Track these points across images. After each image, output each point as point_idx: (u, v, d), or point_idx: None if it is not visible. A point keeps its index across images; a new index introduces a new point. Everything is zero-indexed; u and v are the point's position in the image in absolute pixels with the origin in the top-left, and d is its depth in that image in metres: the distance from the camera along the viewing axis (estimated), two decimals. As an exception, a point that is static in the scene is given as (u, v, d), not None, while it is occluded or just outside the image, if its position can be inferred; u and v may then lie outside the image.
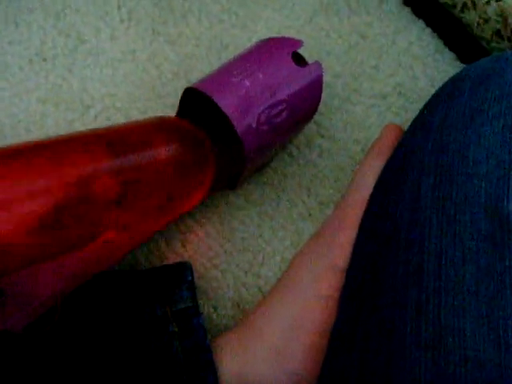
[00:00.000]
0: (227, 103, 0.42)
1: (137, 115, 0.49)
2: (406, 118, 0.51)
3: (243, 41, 0.52)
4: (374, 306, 0.38)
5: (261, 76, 0.44)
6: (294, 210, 0.50)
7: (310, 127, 0.51)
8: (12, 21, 0.51)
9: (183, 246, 0.48)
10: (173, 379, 0.41)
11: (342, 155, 0.51)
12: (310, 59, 0.46)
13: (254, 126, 0.43)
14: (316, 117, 0.49)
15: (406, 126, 0.45)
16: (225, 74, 0.44)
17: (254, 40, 0.49)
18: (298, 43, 0.46)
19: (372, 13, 0.55)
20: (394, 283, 0.37)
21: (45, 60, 0.51)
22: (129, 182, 0.40)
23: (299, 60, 0.46)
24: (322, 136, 0.51)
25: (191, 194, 0.44)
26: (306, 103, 0.46)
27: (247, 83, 0.43)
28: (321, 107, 0.47)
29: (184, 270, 0.44)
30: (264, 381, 0.42)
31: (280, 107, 0.44)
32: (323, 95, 0.46)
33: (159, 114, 0.48)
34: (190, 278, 0.44)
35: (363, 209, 0.44)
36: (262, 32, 0.52)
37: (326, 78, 0.49)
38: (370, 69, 0.53)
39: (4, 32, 0.51)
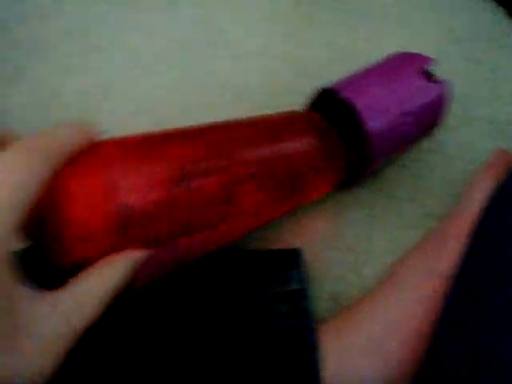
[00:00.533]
0: (363, 105, 0.45)
1: (264, 107, 0.52)
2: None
3: (370, 54, 0.55)
4: (484, 307, 0.40)
5: (394, 86, 0.47)
6: (399, 218, 0.52)
7: (424, 142, 0.54)
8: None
9: (292, 236, 0.51)
10: (277, 356, 0.43)
11: (451, 172, 0.53)
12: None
13: (382, 130, 0.46)
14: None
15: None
16: (361, 79, 0.47)
17: (380, 55, 0.52)
18: (430, 60, 0.49)
19: (492, 40, 0.57)
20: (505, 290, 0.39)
21: (186, 45, 0.55)
22: (263, 169, 0.43)
23: (429, 76, 0.49)
24: (434, 152, 0.54)
25: (316, 186, 0.47)
26: (430, 117, 0.48)
27: (382, 90, 0.46)
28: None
29: (297, 255, 0.47)
30: (361, 370, 0.44)
31: (407, 117, 0.47)
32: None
33: (287, 108, 0.51)
34: (302, 262, 0.47)
35: (471, 223, 0.46)
36: (390, 48, 0.54)
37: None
38: (488, 94, 0.55)
39: (155, 16, 0.55)
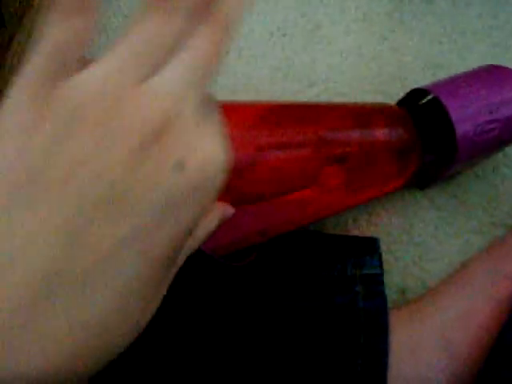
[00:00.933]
0: (454, 108, 0.48)
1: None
2: None
3: (456, 66, 0.58)
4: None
5: (484, 93, 0.49)
6: (468, 223, 0.55)
7: (498, 156, 0.56)
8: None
9: (367, 226, 0.54)
10: (350, 335, 0.45)
11: (524, 187, 0.56)
12: None
13: (470, 134, 0.48)
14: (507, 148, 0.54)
15: None
16: (453, 83, 0.50)
17: (463, 69, 0.54)
18: (521, 76, 0.52)
19: None
20: None
21: (284, 35, 0.58)
22: (351, 151, 0.45)
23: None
24: (508, 166, 0.56)
25: (393, 178, 0.49)
26: (514, 129, 0.51)
27: (472, 96, 0.49)
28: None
29: (375, 242, 0.50)
30: (426, 359, 0.46)
31: (494, 125, 0.49)
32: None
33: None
34: (379, 250, 0.49)
35: None
36: (474, 64, 0.57)
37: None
38: None
39: (257, 5, 0.57)
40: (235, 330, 0.44)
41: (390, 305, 0.51)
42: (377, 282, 0.47)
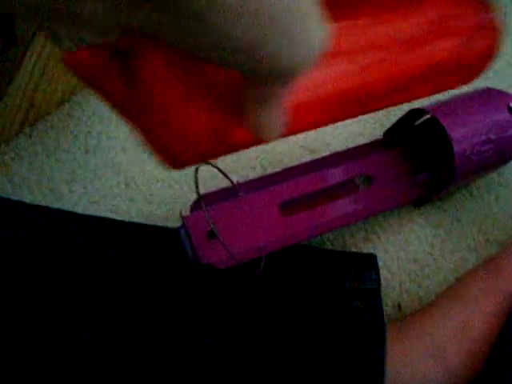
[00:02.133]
0: (451, 127, 0.49)
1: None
2: None
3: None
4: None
5: (481, 115, 0.51)
6: (462, 241, 0.56)
7: (492, 174, 0.58)
8: None
9: (364, 242, 0.55)
10: (348, 348, 0.46)
11: (517, 206, 0.57)
12: None
13: (467, 153, 0.50)
14: (500, 167, 0.56)
15: None
16: (451, 104, 0.52)
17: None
18: (514, 98, 0.53)
19: None
20: None
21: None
22: None
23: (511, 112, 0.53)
24: (501, 185, 0.58)
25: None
26: (508, 149, 0.52)
27: (470, 117, 0.50)
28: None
29: (373, 258, 0.51)
30: (422, 372, 0.47)
31: (490, 145, 0.51)
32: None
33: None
34: (377, 265, 0.50)
35: None
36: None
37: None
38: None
39: None
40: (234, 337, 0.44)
41: (386, 319, 0.52)
42: (374, 296, 0.48)
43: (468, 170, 0.51)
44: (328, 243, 0.55)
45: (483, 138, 0.51)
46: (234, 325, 0.45)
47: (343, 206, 0.51)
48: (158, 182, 0.58)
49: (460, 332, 0.47)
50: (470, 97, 0.53)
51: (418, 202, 0.56)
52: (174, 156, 0.27)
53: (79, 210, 0.55)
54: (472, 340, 0.47)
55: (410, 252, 0.55)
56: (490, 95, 0.53)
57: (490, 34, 0.33)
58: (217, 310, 0.46)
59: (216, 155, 0.29)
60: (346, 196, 0.51)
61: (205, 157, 0.29)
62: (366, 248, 0.55)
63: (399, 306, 0.54)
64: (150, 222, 0.53)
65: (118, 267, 0.45)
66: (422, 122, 0.53)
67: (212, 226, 0.44)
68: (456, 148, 0.49)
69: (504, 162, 0.54)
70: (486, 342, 0.47)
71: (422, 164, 0.54)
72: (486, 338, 0.47)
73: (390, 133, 0.57)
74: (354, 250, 0.55)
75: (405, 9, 0.31)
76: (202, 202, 0.44)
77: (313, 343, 0.46)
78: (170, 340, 0.43)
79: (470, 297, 0.49)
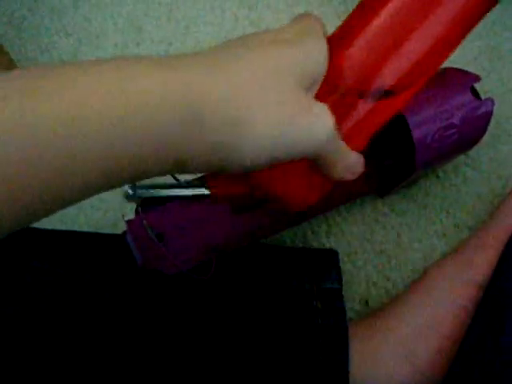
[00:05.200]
0: (412, 116, 0.46)
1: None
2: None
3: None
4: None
5: (442, 99, 0.48)
6: (431, 227, 0.53)
7: (460, 157, 0.55)
8: None
9: (327, 237, 0.52)
10: (309, 352, 0.44)
11: (484, 186, 0.54)
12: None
13: (428, 140, 0.47)
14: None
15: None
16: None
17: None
18: (477, 78, 0.50)
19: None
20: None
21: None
22: None
23: (475, 93, 0.50)
24: (468, 165, 0.55)
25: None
26: (474, 133, 0.50)
27: (429, 102, 0.47)
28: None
29: (334, 255, 0.48)
30: (389, 372, 0.45)
31: (452, 130, 0.48)
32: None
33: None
34: (338, 263, 0.48)
35: (505, 234, 0.48)
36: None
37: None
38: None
39: None
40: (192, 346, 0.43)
41: (352, 315, 0.50)
42: (336, 296, 0.46)
43: (431, 157, 0.48)
44: (288, 240, 0.52)
45: (445, 123, 0.48)
46: (184, 331, 0.43)
47: None
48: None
49: (427, 330, 0.46)
50: (429, 80, 0.50)
51: (382, 192, 0.53)
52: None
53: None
54: (440, 336, 0.45)
55: (375, 243, 0.53)
56: (450, 76, 0.50)
57: None
58: (165, 318, 0.43)
59: None
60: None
61: None
62: (329, 242, 0.53)
63: (366, 302, 0.51)
64: (98, 230, 0.51)
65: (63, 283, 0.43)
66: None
67: (150, 232, 0.41)
68: (415, 135, 0.46)
69: (470, 145, 0.51)
70: (455, 337, 0.45)
71: (384, 153, 0.51)
72: (455, 332, 0.45)
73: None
74: (315, 245, 0.52)
75: None
76: (139, 206, 0.42)
77: (272, 348, 0.44)
78: (117, 352, 0.41)
79: (437, 290, 0.47)
